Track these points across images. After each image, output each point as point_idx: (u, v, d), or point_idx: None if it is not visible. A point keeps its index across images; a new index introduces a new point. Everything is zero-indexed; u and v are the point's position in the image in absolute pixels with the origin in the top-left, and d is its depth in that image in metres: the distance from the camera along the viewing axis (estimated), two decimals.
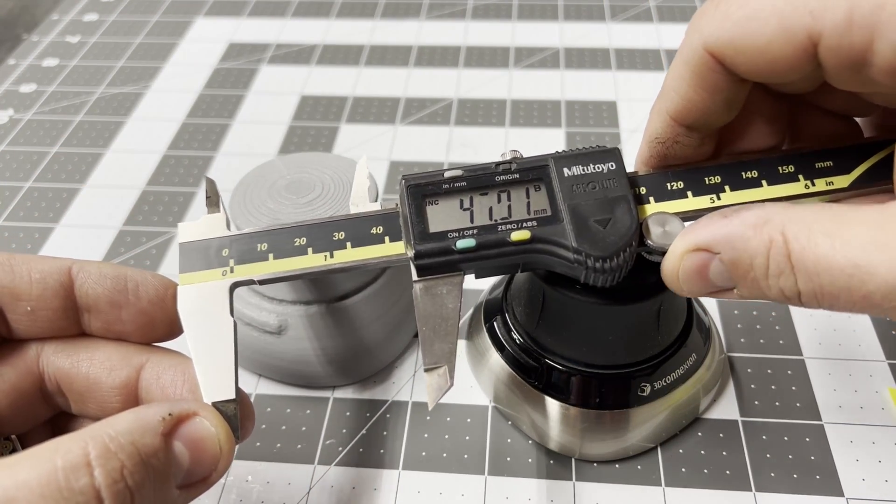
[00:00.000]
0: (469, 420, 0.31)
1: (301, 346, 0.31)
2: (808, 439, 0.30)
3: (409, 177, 0.24)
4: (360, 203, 0.25)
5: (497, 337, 0.30)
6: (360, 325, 0.32)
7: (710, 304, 0.35)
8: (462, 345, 0.34)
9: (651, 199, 0.24)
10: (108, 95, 0.51)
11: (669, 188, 0.24)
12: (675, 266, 0.21)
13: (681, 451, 0.29)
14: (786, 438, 0.30)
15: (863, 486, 0.28)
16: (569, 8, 0.59)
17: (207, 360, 0.22)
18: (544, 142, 0.45)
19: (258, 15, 0.60)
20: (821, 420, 0.30)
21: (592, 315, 0.27)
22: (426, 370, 0.22)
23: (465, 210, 0.24)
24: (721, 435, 0.30)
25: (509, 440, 0.30)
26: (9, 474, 0.16)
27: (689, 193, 0.24)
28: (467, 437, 0.30)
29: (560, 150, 0.24)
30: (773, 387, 0.32)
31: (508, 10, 0.59)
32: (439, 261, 0.23)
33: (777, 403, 0.31)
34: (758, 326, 0.34)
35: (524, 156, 0.24)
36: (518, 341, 0.29)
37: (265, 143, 0.46)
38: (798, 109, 0.25)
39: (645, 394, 0.28)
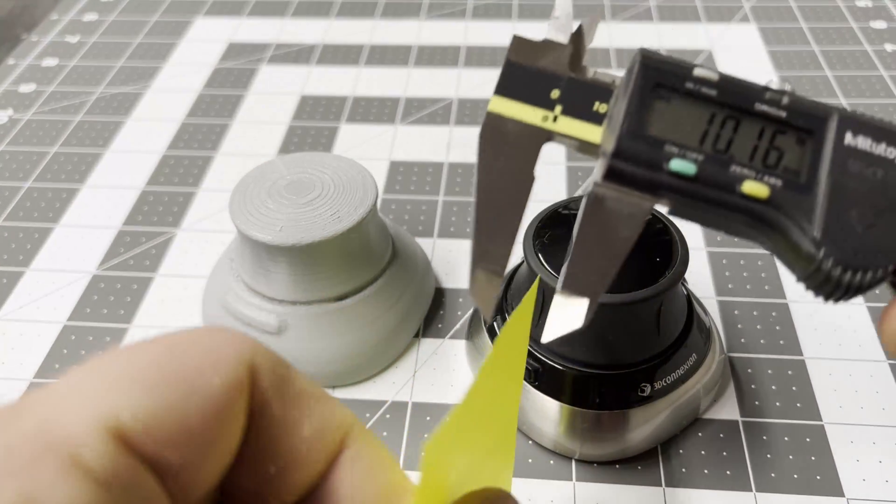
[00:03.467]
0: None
1: (301, 346, 0.31)
2: (808, 439, 0.30)
3: (649, 54, 0.19)
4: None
5: (497, 337, 0.30)
6: (360, 325, 0.32)
7: (711, 305, 0.35)
8: (462, 345, 0.34)
9: None
10: (107, 95, 0.51)
11: None
12: None
13: (681, 451, 0.29)
14: (786, 439, 0.30)
15: (863, 487, 0.28)
16: None
17: (489, 215, 0.18)
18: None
19: (258, 15, 0.60)
20: (821, 420, 0.30)
21: (592, 315, 0.27)
22: (560, 294, 0.18)
23: (700, 125, 0.18)
24: (721, 435, 0.30)
25: None
26: None
27: None
28: None
29: (854, 110, 0.19)
30: (773, 387, 0.31)
31: (508, 9, 0.59)
32: (641, 173, 0.18)
33: (777, 404, 0.31)
34: (758, 327, 0.34)
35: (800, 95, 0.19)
36: None
37: (265, 143, 0.46)
38: None
39: (645, 394, 0.28)
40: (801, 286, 0.19)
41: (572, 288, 0.18)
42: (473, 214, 0.19)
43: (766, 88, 0.19)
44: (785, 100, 0.19)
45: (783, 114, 0.18)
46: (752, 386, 0.32)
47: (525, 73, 0.19)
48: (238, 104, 0.50)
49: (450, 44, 0.55)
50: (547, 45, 0.20)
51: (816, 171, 0.18)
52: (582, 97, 0.19)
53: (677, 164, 0.18)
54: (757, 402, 0.31)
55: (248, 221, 0.30)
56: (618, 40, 0.54)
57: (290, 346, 0.31)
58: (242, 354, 0.14)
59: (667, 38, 0.54)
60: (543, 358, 0.28)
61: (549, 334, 0.18)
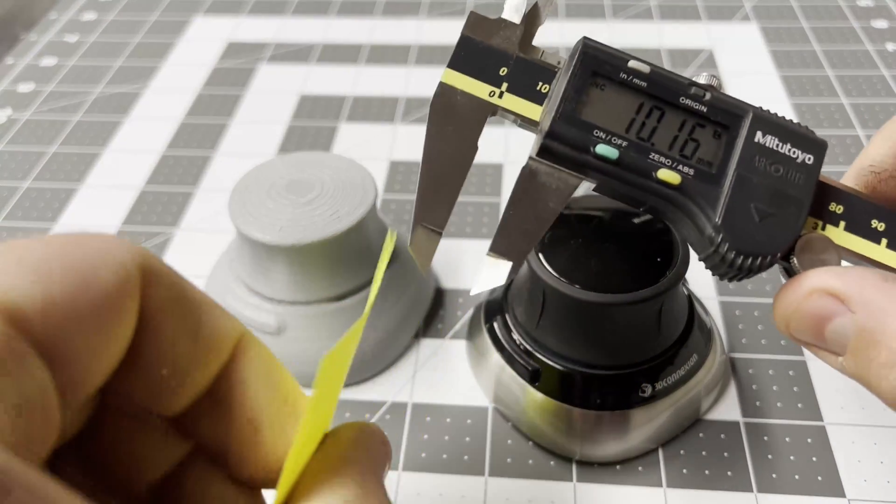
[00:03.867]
0: (469, 421, 0.31)
1: (300, 346, 0.31)
2: (809, 440, 0.29)
3: (590, 43, 0.20)
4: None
5: (497, 337, 0.30)
6: None
7: (712, 305, 0.35)
8: (462, 345, 0.33)
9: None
10: (106, 95, 0.51)
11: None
12: (795, 300, 0.18)
13: (682, 452, 0.29)
14: (787, 439, 0.30)
15: (865, 487, 0.28)
16: (570, 6, 0.59)
17: (433, 178, 0.20)
18: None
19: (257, 14, 0.59)
20: (822, 421, 0.30)
21: (593, 315, 0.27)
22: (489, 254, 0.19)
23: (628, 113, 0.20)
24: (722, 436, 0.30)
25: (510, 441, 0.30)
26: None
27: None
28: (467, 439, 0.30)
29: (766, 109, 0.20)
30: (774, 388, 0.31)
31: None
32: (569, 154, 0.20)
33: (779, 404, 0.31)
34: (759, 327, 0.34)
35: (721, 86, 0.21)
36: (518, 342, 0.29)
37: (265, 143, 0.46)
38: None
39: (646, 395, 0.27)
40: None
41: (500, 250, 0.19)
42: (419, 176, 0.20)
43: (691, 83, 0.20)
44: (707, 95, 0.20)
45: (704, 108, 0.20)
46: (754, 386, 0.31)
47: (477, 48, 0.21)
48: (237, 104, 0.50)
49: (449, 43, 0.55)
50: (500, 23, 0.21)
51: (727, 163, 0.20)
52: (527, 76, 0.21)
53: (602, 149, 0.20)
54: (758, 403, 0.31)
55: (247, 221, 0.30)
56: (618, 40, 0.54)
57: (289, 347, 0.31)
58: (134, 257, 0.15)
59: (667, 37, 0.54)
60: (544, 358, 0.28)
61: (477, 288, 0.19)
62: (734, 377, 0.32)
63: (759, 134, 0.20)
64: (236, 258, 0.33)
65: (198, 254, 0.39)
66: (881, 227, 0.20)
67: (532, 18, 0.21)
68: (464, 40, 0.21)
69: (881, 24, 0.55)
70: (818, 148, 0.20)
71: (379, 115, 0.48)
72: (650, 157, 0.20)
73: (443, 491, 0.28)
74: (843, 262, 0.20)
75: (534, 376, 0.28)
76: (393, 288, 0.33)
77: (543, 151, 0.20)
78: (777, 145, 0.20)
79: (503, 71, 0.21)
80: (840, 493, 0.28)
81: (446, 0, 0.60)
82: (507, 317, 0.30)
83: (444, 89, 0.21)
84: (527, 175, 0.20)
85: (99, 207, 0.42)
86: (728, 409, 0.31)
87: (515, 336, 0.29)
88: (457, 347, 0.34)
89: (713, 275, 0.20)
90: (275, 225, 0.29)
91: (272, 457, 0.17)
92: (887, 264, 0.20)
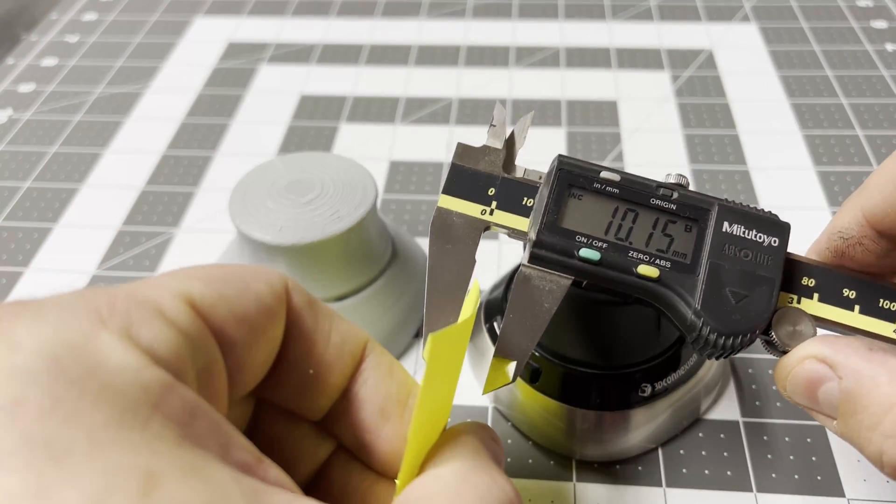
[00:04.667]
0: (469, 421, 0.31)
1: None
2: (809, 440, 0.30)
3: (565, 160, 0.23)
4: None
5: (497, 337, 0.30)
6: (360, 325, 0.31)
7: None
8: None
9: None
10: (107, 95, 0.51)
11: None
12: (791, 365, 0.20)
13: (682, 451, 0.29)
14: (787, 439, 0.30)
15: (864, 487, 0.28)
16: (569, 7, 0.59)
17: (439, 292, 0.22)
18: (545, 141, 0.45)
19: (258, 14, 0.60)
20: None
21: (593, 315, 0.27)
22: (496, 357, 0.21)
23: (605, 217, 0.22)
24: (722, 435, 0.30)
25: (510, 441, 0.30)
26: None
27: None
28: None
29: (730, 201, 0.23)
30: (773, 387, 0.31)
31: (509, 8, 0.59)
32: (556, 258, 0.22)
33: (778, 404, 0.31)
34: None
35: (689, 184, 0.23)
36: None
37: (265, 143, 0.46)
38: None
39: (646, 394, 0.28)
40: None
41: (505, 351, 0.21)
42: (426, 292, 0.22)
43: (659, 185, 0.23)
44: (674, 195, 0.22)
45: (673, 206, 0.22)
46: (753, 386, 0.32)
47: (467, 174, 0.23)
48: (238, 104, 0.50)
49: (450, 43, 0.55)
50: (485, 150, 0.24)
51: (699, 254, 0.22)
52: (513, 194, 0.23)
53: (585, 252, 0.22)
54: (758, 403, 0.31)
55: (247, 221, 0.30)
56: (618, 40, 0.54)
57: None
58: (279, 275, 0.18)
59: (667, 37, 0.54)
60: (544, 358, 0.28)
61: (487, 389, 0.21)
62: (734, 377, 0.32)
63: (725, 224, 0.22)
64: (236, 258, 0.33)
65: (198, 254, 0.39)
66: (852, 294, 0.22)
67: (511, 143, 0.24)
68: (454, 168, 0.23)
69: (881, 24, 0.55)
70: (782, 230, 0.22)
71: (379, 115, 0.48)
72: (629, 254, 0.22)
73: None
74: (822, 331, 0.22)
75: (534, 376, 0.28)
76: (393, 288, 0.33)
77: (533, 258, 0.22)
78: (744, 232, 0.22)
79: (491, 191, 0.23)
80: (840, 493, 0.28)
81: (446, 1, 0.60)
82: None
83: (440, 212, 0.23)
84: (522, 280, 0.22)
85: (100, 207, 0.42)
86: (728, 409, 0.31)
87: None
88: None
89: (700, 355, 0.22)
90: (275, 225, 0.29)
91: (404, 443, 0.19)
92: (863, 329, 0.22)
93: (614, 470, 0.29)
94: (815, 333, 0.21)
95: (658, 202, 0.22)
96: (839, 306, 0.22)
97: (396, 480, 0.18)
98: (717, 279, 0.21)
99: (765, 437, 0.30)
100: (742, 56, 0.52)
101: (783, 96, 0.48)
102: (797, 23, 0.55)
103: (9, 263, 0.39)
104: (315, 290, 0.31)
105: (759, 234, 0.22)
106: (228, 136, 0.47)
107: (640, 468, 0.29)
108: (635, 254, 0.22)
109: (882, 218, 0.21)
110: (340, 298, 0.31)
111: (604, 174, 0.22)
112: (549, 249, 0.22)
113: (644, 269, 0.21)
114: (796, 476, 0.28)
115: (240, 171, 0.43)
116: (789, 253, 0.22)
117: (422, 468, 0.18)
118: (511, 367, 0.21)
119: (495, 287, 0.33)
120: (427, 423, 0.17)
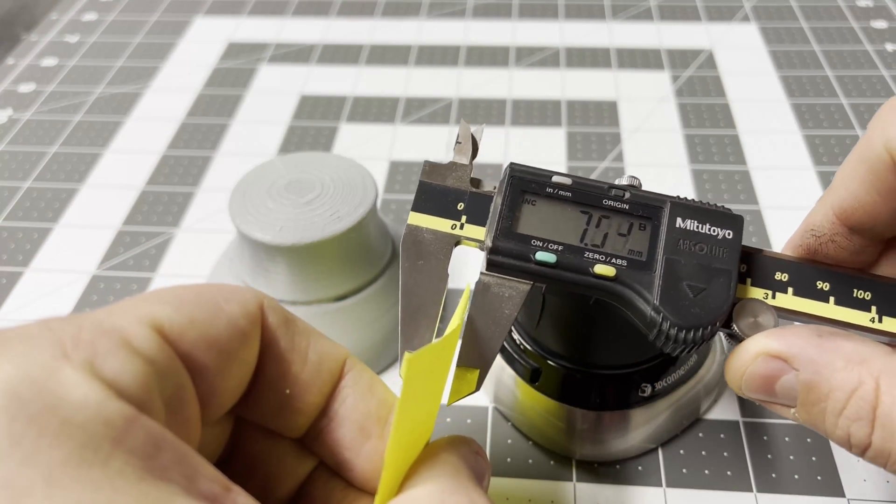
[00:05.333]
0: (469, 421, 0.31)
1: None
2: (809, 440, 0.30)
3: (517, 167, 0.23)
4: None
5: None
6: (360, 325, 0.32)
7: None
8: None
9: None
10: (107, 95, 0.51)
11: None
12: (744, 364, 0.20)
13: (682, 451, 0.29)
14: (787, 439, 0.30)
15: (864, 487, 0.28)
16: (569, 7, 0.59)
17: (412, 309, 0.21)
18: (545, 141, 0.45)
19: (258, 14, 0.60)
20: None
21: (593, 315, 0.27)
22: (459, 366, 0.21)
23: (560, 220, 0.22)
24: (722, 435, 0.30)
25: (510, 441, 0.30)
26: None
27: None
28: None
29: (681, 197, 0.23)
30: None
31: (509, 8, 0.59)
32: (513, 263, 0.22)
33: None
34: None
35: (642, 185, 0.23)
36: (518, 342, 0.29)
37: (265, 143, 0.46)
38: None
39: (646, 394, 0.28)
40: None
41: (468, 360, 0.21)
42: (400, 308, 0.22)
43: (611, 186, 0.23)
44: (626, 195, 0.23)
45: (626, 206, 0.22)
46: None
47: (436, 190, 0.23)
48: (238, 104, 0.50)
49: (450, 43, 0.55)
50: (452, 166, 0.24)
51: (654, 250, 0.22)
52: (482, 207, 0.23)
53: (541, 255, 0.22)
54: (758, 403, 0.31)
55: (247, 221, 0.30)
56: (618, 40, 0.54)
57: None
58: (255, 295, 0.18)
59: (667, 37, 0.54)
60: (544, 358, 0.28)
61: (450, 399, 0.21)
62: None
63: (679, 220, 0.22)
64: (236, 258, 0.33)
65: (198, 254, 0.39)
66: (826, 286, 0.22)
67: (474, 156, 0.24)
68: (423, 185, 0.23)
69: (881, 24, 0.55)
70: (735, 223, 0.22)
71: (379, 115, 0.48)
72: (585, 255, 0.22)
73: None
74: (795, 323, 0.22)
75: (534, 376, 0.28)
76: (393, 288, 0.33)
77: (491, 265, 0.22)
78: (697, 227, 0.22)
79: (461, 206, 0.23)
80: (839, 492, 0.28)
81: (446, 1, 0.60)
82: None
83: (411, 229, 0.23)
84: (481, 289, 0.22)
85: (99, 207, 0.42)
86: (728, 409, 0.31)
87: (515, 336, 0.29)
88: (457, 347, 0.33)
89: (664, 351, 0.22)
90: (275, 225, 0.29)
91: (383, 461, 0.19)
92: (840, 320, 0.22)
93: (614, 470, 0.29)
94: (776, 324, 0.21)
95: (611, 203, 0.23)
96: (814, 299, 0.22)
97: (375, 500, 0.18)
98: (673, 274, 0.21)
99: (765, 437, 0.30)
100: (742, 56, 0.52)
101: (783, 96, 0.48)
102: (797, 23, 0.55)
103: (9, 263, 0.39)
104: (315, 290, 0.31)
105: (712, 228, 0.22)
106: (228, 136, 0.47)
107: (640, 468, 0.29)
108: (591, 254, 0.22)
109: (851, 213, 0.21)
110: (340, 298, 0.31)
111: (555, 178, 0.23)
112: (505, 255, 0.22)
113: (601, 269, 0.22)
114: (796, 476, 0.28)
115: (240, 171, 0.43)
116: (762, 249, 0.23)
117: (401, 487, 0.18)
118: (473, 374, 0.21)
119: None
120: (405, 441, 0.17)
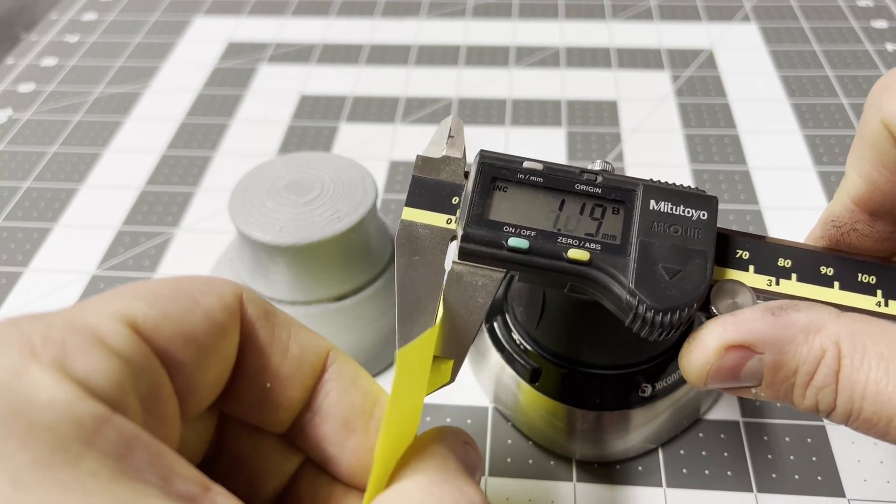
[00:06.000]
0: (469, 421, 0.31)
1: None
2: (809, 440, 0.30)
3: (487, 154, 0.23)
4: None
5: (497, 337, 0.30)
6: (360, 325, 0.31)
7: None
8: None
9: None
10: (106, 95, 0.51)
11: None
12: (707, 359, 0.20)
13: (682, 451, 0.29)
14: (787, 439, 0.30)
15: (864, 487, 0.28)
16: (569, 7, 0.59)
17: (409, 305, 0.21)
18: (545, 141, 0.45)
19: (258, 14, 0.59)
20: (822, 421, 0.30)
21: (593, 315, 0.27)
22: (434, 357, 0.21)
23: (532, 206, 0.22)
24: (722, 436, 0.30)
25: (510, 441, 0.30)
26: None
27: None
28: None
29: (654, 179, 0.23)
30: None
31: (509, 8, 0.59)
32: (485, 251, 0.21)
33: (778, 404, 0.31)
34: None
35: (614, 170, 0.23)
36: (518, 342, 0.29)
37: (265, 143, 0.46)
38: None
39: (646, 394, 0.28)
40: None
41: (443, 350, 0.21)
42: (397, 305, 0.22)
43: (583, 171, 0.22)
44: (598, 179, 0.22)
45: (598, 190, 0.22)
46: None
47: (429, 185, 0.23)
48: (237, 104, 0.50)
49: (450, 43, 0.55)
50: (446, 160, 0.24)
51: (629, 233, 0.22)
52: None
53: (514, 241, 0.21)
54: (758, 403, 0.31)
55: (247, 221, 0.30)
56: (618, 40, 0.54)
57: None
58: (233, 288, 0.18)
59: (667, 37, 0.54)
60: (544, 358, 0.28)
61: (427, 390, 0.21)
62: None
63: (652, 202, 0.22)
64: (236, 258, 0.33)
65: (198, 254, 0.39)
66: (830, 271, 0.22)
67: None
68: (416, 180, 0.23)
69: (881, 24, 0.55)
70: (709, 203, 0.22)
71: (379, 115, 0.48)
72: (558, 240, 0.22)
73: None
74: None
75: (534, 376, 0.28)
76: (393, 288, 0.33)
77: (463, 254, 0.22)
78: (671, 209, 0.22)
79: (455, 200, 0.23)
80: (840, 492, 0.28)
81: (446, 0, 0.60)
82: (507, 317, 0.30)
83: (405, 225, 0.22)
84: (454, 278, 0.22)
85: (99, 207, 0.42)
86: (728, 409, 0.31)
87: (515, 336, 0.29)
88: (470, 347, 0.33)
89: (641, 336, 0.21)
90: (275, 225, 0.29)
91: (370, 455, 0.19)
92: (845, 305, 0.21)
93: (614, 470, 0.29)
94: (755, 303, 0.21)
95: (583, 187, 0.22)
96: (818, 284, 0.22)
97: (364, 494, 0.18)
98: (648, 256, 0.21)
99: (765, 438, 0.30)
100: (742, 56, 0.52)
101: (783, 96, 0.48)
102: (797, 23, 0.55)
103: (9, 263, 0.39)
104: (315, 290, 0.31)
105: (686, 209, 0.22)
106: (228, 136, 0.47)
107: (640, 468, 0.29)
108: (564, 239, 0.21)
109: (868, 198, 0.21)
110: (340, 298, 0.31)
111: (526, 164, 0.23)
112: (477, 242, 0.21)
113: (574, 254, 0.21)
114: (796, 476, 0.28)
115: (240, 171, 0.43)
116: (764, 236, 0.23)
117: (389, 481, 0.17)
118: (448, 365, 0.21)
119: None
120: (395, 435, 0.17)
